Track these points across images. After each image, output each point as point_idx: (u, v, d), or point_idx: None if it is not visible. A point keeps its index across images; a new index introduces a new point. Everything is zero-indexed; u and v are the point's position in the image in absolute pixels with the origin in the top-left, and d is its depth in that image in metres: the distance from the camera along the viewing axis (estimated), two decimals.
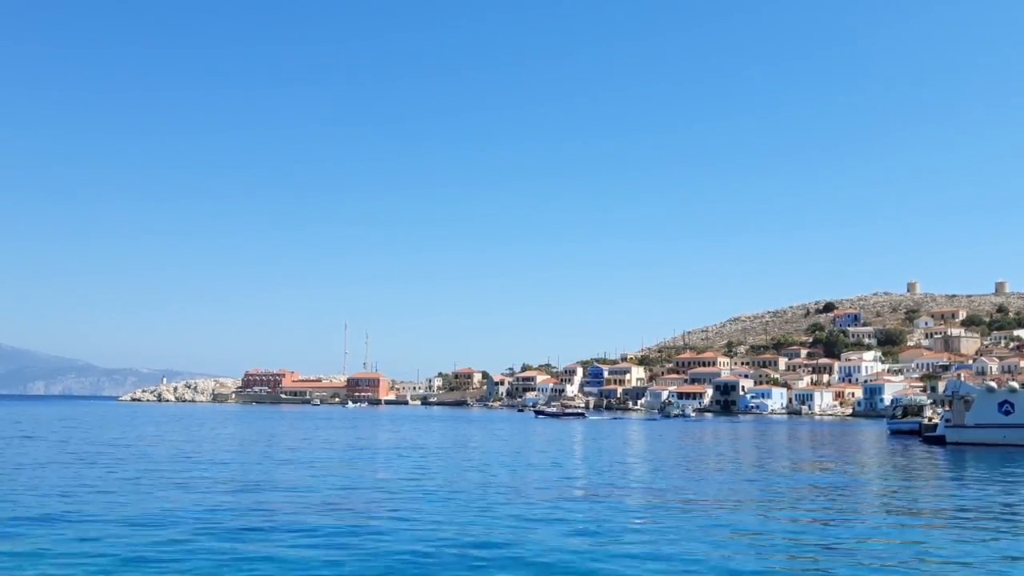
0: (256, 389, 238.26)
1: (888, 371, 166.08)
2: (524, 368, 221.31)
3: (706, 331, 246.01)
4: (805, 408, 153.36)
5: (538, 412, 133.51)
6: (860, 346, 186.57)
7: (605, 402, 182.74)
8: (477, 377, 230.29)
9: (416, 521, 20.42)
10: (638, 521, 21.02)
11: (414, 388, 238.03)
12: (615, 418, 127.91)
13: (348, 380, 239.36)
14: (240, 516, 20.86)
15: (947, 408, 63.14)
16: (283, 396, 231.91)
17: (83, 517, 20.42)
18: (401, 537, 18.17)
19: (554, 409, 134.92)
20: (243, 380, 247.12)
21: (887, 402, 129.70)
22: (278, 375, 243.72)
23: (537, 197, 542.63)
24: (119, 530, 18.62)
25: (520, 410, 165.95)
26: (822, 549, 17.74)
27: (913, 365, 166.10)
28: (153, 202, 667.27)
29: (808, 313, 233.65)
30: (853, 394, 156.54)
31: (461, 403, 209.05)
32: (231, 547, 16.78)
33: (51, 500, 23.51)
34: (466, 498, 25.15)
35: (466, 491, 26.98)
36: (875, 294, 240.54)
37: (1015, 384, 59.36)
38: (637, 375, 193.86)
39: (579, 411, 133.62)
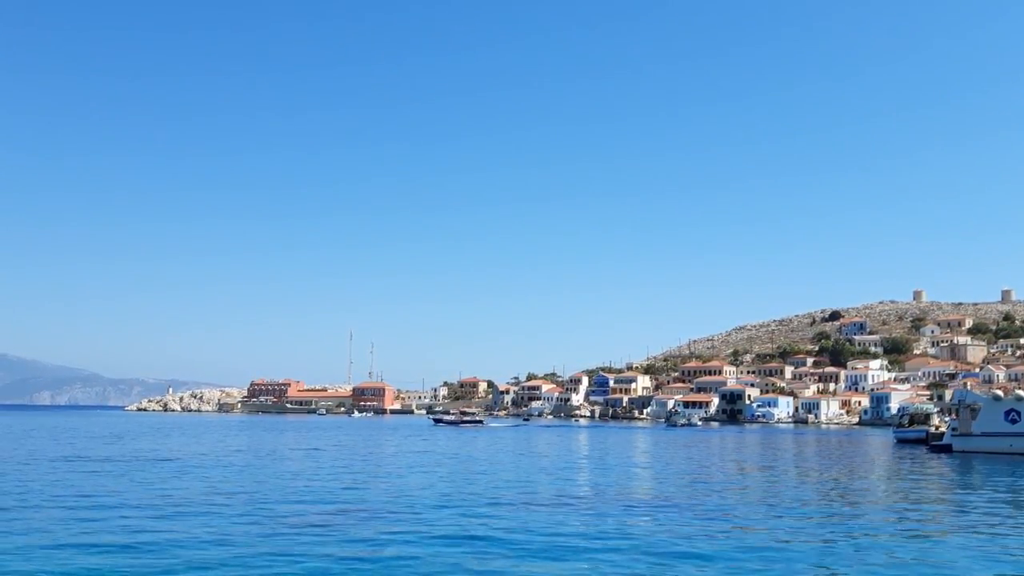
0: (262, 399, 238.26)
1: (894, 379, 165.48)
2: (529, 377, 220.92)
3: (712, 340, 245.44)
4: (811, 417, 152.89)
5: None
6: (866, 355, 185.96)
7: (611, 411, 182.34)
8: (482, 386, 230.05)
9: None
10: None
11: (419, 397, 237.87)
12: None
13: (353, 390, 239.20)
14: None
15: (954, 417, 63.04)
16: (289, 406, 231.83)
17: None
18: None
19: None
20: (249, 390, 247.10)
21: (893, 411, 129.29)
22: (284, 385, 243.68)
23: (542, 207, 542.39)
24: None
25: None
26: (828, 555, 17.83)
27: (919, 373, 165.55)
28: (159, 214, 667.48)
29: (814, 322, 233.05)
30: (859, 403, 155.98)
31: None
32: None
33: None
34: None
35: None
36: (881, 302, 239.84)
37: (1022, 392, 59.31)
38: (643, 384, 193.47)
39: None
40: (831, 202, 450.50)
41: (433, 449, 59.76)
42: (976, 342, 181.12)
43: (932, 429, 67.91)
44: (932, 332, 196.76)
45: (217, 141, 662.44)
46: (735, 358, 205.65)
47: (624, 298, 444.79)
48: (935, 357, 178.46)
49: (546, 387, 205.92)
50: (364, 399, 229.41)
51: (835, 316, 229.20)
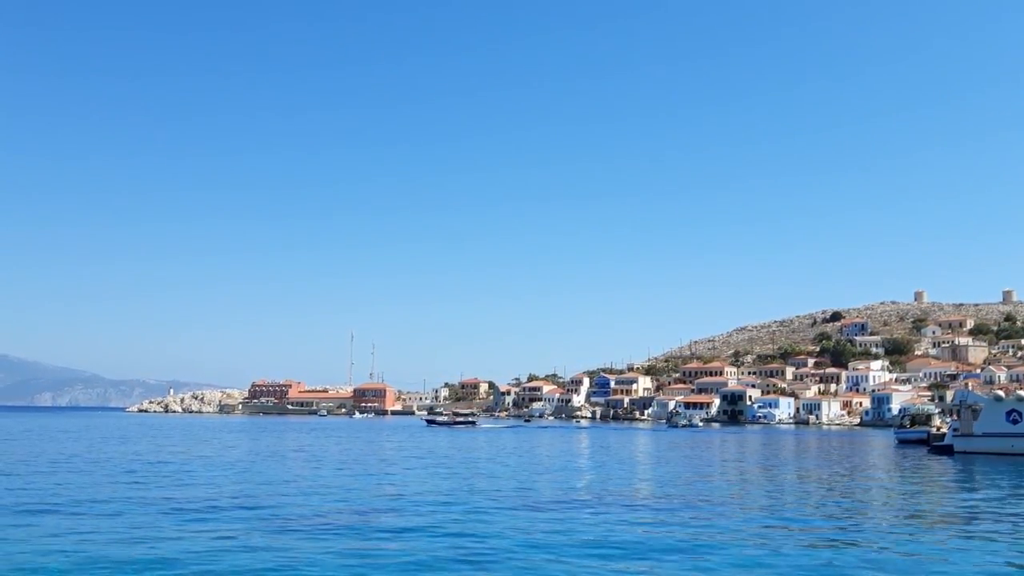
0: (263, 400, 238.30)
1: (896, 380, 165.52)
2: (530, 378, 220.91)
3: (713, 341, 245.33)
4: (812, 418, 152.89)
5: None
6: (867, 355, 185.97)
7: (612, 412, 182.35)
8: (483, 387, 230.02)
9: None
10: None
11: (420, 399, 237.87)
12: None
13: (354, 391, 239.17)
14: None
15: (955, 417, 63.00)
16: (290, 407, 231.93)
17: None
18: None
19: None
20: (250, 391, 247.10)
21: (895, 411, 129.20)
22: (284, 386, 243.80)
23: (542, 207, 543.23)
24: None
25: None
26: (829, 557, 17.83)
27: (921, 374, 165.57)
28: (159, 214, 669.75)
29: (815, 322, 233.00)
30: (860, 403, 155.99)
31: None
32: None
33: None
34: None
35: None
36: (882, 303, 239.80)
37: (1023, 393, 59.26)
38: (644, 385, 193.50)
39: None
40: (831, 202, 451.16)
41: (430, 450, 59.77)
42: (977, 343, 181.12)
43: (933, 430, 67.95)
44: (933, 333, 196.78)
45: (217, 141, 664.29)
46: (736, 359, 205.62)
47: (624, 298, 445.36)
48: (936, 358, 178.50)
49: (547, 388, 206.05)
50: (365, 400, 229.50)
51: (836, 317, 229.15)
